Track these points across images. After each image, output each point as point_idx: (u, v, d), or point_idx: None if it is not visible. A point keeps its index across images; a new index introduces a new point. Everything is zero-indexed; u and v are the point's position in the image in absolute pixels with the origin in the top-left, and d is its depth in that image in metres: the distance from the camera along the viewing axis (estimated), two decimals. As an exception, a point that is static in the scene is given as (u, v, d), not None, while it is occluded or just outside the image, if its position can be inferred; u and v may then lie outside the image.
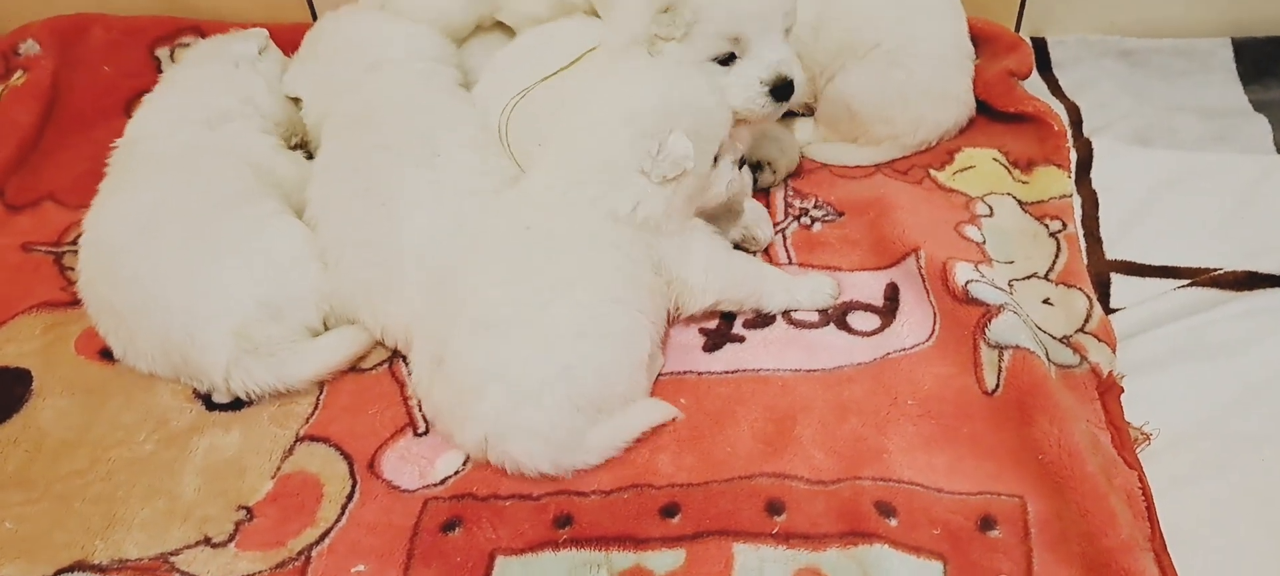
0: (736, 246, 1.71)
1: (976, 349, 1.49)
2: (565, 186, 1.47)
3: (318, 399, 1.55)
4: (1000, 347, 1.46)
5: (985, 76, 1.97)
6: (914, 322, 1.59)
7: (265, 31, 1.91)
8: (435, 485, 1.41)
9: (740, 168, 1.60)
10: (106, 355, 1.61)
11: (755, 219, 1.74)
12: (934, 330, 1.56)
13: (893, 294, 1.64)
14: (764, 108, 1.60)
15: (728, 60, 1.59)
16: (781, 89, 1.59)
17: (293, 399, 1.54)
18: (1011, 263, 1.68)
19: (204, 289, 1.52)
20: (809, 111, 2.01)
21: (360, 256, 1.56)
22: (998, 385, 1.45)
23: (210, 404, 1.55)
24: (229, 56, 1.83)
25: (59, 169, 2.01)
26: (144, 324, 1.54)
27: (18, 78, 2.15)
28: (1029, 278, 1.65)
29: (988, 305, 1.51)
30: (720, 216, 1.70)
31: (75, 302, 1.65)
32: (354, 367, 1.59)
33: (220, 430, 1.51)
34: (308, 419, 1.52)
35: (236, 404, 1.54)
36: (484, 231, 1.50)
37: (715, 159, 1.53)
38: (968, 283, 1.54)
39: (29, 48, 2.20)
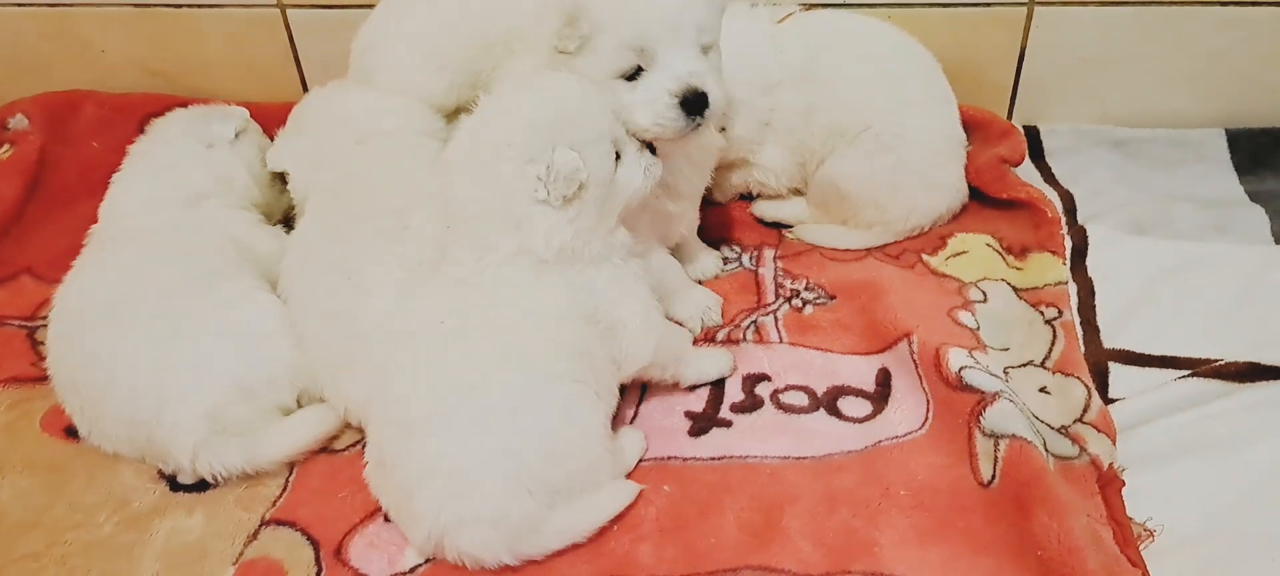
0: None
1: (971, 438, 1.43)
2: (478, 254, 1.40)
3: (287, 481, 1.49)
4: (996, 437, 1.41)
5: (977, 163, 1.95)
6: (907, 410, 1.54)
7: (246, 112, 1.88)
8: (404, 574, 1.34)
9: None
10: (72, 433, 1.56)
11: (711, 305, 1.73)
12: (927, 417, 1.51)
13: (885, 380, 1.60)
14: (674, 122, 1.45)
15: (635, 75, 1.47)
16: (693, 101, 1.44)
17: (261, 481, 1.49)
18: (1007, 349, 1.64)
19: (174, 368, 1.47)
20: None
21: (326, 330, 1.52)
22: (994, 476, 1.39)
23: (175, 485, 1.49)
24: (203, 136, 1.78)
25: (41, 243, 1.98)
26: (110, 402, 1.48)
27: (4, 151, 2.13)
28: (1025, 365, 1.60)
29: (983, 392, 1.46)
30: (670, 295, 1.68)
31: (44, 379, 1.60)
32: (326, 448, 1.53)
33: (183, 512, 1.45)
34: (275, 501, 1.46)
35: (202, 485, 1.48)
36: (403, 331, 1.42)
37: (616, 155, 1.44)
38: (962, 369, 1.50)
39: (18, 122, 2.19)
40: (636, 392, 1.58)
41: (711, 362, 1.62)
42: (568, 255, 1.40)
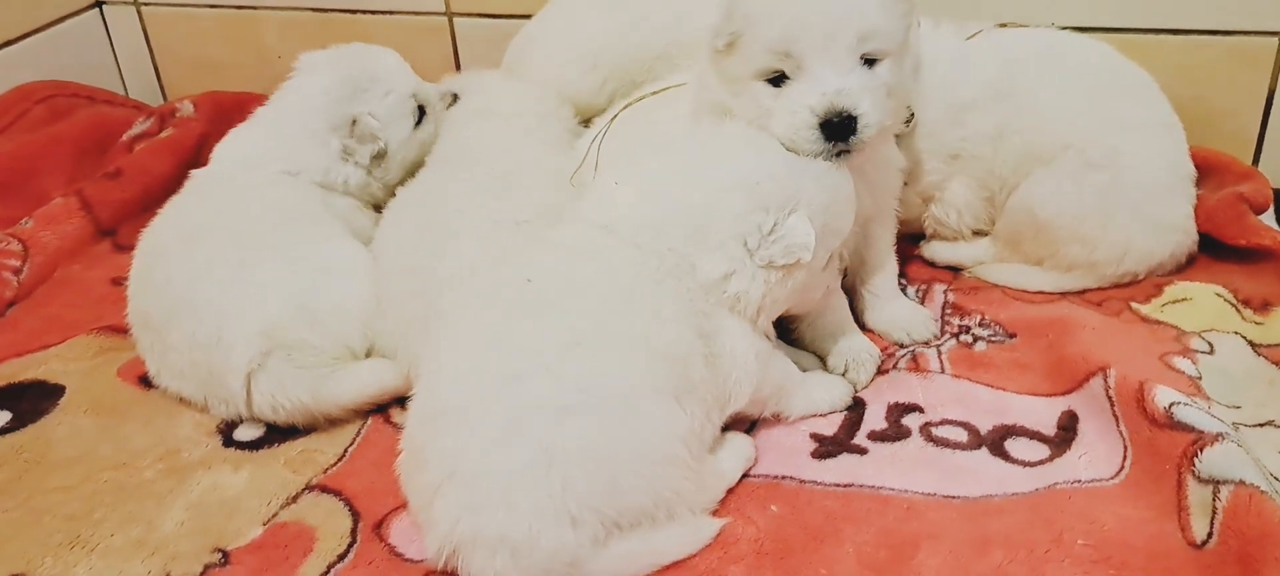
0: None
1: (1182, 486, 1.09)
2: (633, 230, 1.17)
3: (346, 450, 1.32)
4: (1216, 483, 1.06)
5: (1209, 204, 1.60)
6: (1096, 456, 1.21)
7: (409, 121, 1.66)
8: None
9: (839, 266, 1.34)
10: (146, 382, 1.46)
11: (859, 356, 1.42)
12: (1124, 466, 1.18)
13: (1069, 423, 1.27)
14: (811, 144, 1.23)
15: (779, 80, 1.26)
16: (836, 126, 1.22)
17: (319, 446, 1.33)
18: (1238, 408, 1.28)
19: (238, 287, 1.36)
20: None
21: (404, 285, 1.37)
22: (1211, 534, 1.04)
23: (230, 441, 1.35)
24: (329, 126, 1.59)
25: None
26: (176, 328, 1.38)
27: (166, 133, 2.15)
28: (1263, 426, 1.24)
29: (1200, 431, 1.11)
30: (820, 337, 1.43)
31: (132, 329, 1.52)
32: (392, 420, 1.36)
33: (230, 468, 1.31)
34: (327, 469, 1.29)
35: (257, 444, 1.34)
36: (471, 292, 1.21)
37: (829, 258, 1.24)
38: (1172, 405, 1.16)
39: (184, 109, 2.21)
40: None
41: (823, 393, 1.34)
42: (732, 305, 1.18)
